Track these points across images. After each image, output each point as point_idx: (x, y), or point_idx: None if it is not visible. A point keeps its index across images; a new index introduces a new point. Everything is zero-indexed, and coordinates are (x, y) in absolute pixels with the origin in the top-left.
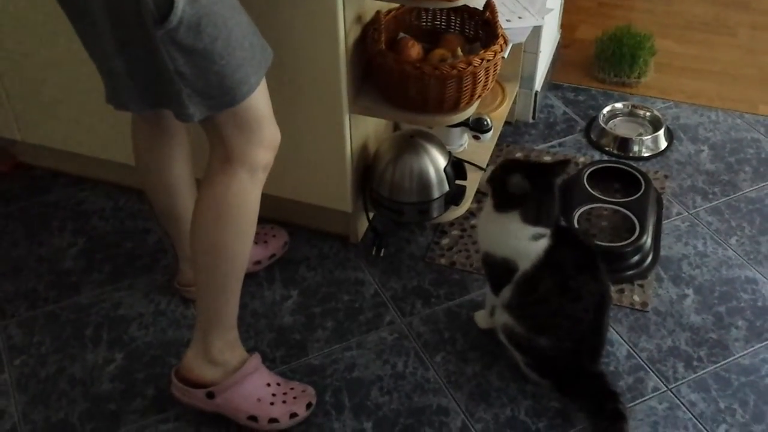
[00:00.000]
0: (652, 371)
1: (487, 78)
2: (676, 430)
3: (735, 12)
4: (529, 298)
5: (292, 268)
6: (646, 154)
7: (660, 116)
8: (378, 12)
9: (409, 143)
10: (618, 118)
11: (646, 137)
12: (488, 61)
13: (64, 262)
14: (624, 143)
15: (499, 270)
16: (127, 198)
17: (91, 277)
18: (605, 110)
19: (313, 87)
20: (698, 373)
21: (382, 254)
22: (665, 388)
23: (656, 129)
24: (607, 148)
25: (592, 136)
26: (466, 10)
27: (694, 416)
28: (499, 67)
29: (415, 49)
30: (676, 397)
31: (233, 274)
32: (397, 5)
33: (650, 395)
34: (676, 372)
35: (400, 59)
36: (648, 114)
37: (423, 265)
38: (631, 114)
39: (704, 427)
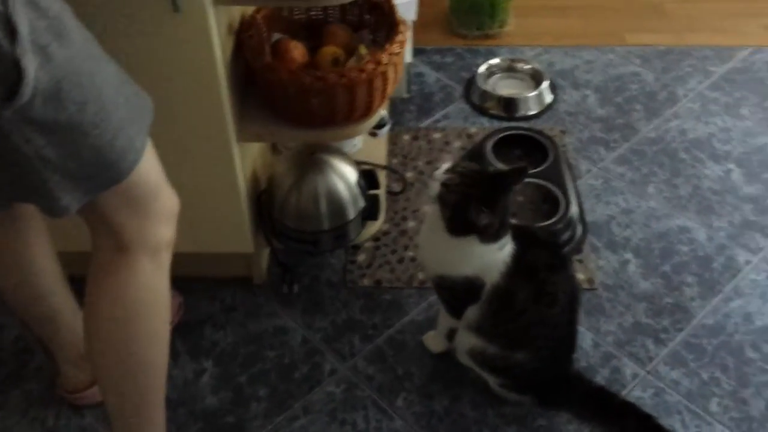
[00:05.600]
0: (624, 356)
1: (395, 73)
2: (670, 416)
3: None
4: (504, 313)
5: (195, 332)
6: (534, 111)
7: (538, 67)
8: (253, 17)
9: (311, 161)
10: (496, 76)
11: (530, 93)
12: (396, 54)
13: None
14: (509, 103)
15: (460, 292)
16: None
17: None
18: (481, 69)
19: (193, 124)
20: (669, 346)
21: (295, 290)
22: (643, 372)
23: (538, 82)
24: (492, 111)
25: (474, 100)
26: None
27: (682, 397)
28: (403, 58)
29: (298, 51)
30: (657, 379)
31: (153, 384)
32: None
33: (631, 384)
34: (648, 351)
35: (296, 71)
36: (526, 67)
37: (346, 292)
38: (509, 69)
39: (697, 407)
